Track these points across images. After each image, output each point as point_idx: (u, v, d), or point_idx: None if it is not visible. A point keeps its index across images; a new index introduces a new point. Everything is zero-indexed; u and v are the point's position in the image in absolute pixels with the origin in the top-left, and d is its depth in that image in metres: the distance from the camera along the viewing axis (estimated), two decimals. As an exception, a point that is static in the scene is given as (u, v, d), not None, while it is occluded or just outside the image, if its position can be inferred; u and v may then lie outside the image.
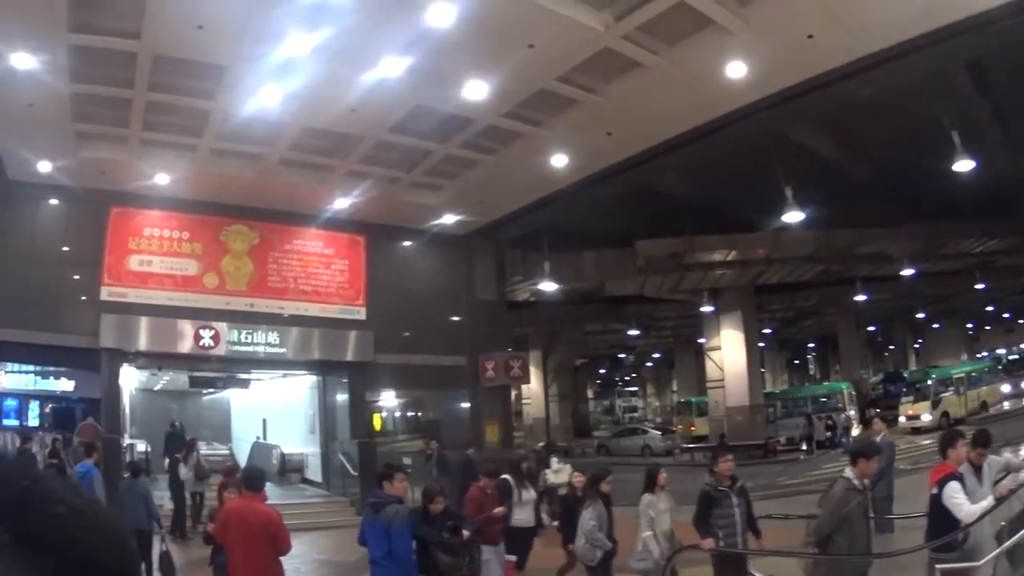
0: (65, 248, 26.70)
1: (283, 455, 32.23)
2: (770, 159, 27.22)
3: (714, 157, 27.60)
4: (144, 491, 18.77)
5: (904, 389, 54.47)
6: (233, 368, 31.23)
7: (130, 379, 32.24)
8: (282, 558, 11.26)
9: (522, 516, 16.36)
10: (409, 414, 41.13)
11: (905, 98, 24.92)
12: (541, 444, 46.98)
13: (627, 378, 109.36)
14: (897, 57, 19.27)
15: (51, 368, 30.38)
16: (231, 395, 42.40)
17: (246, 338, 28.26)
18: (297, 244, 30.31)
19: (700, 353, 62.99)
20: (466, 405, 33.88)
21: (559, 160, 25.27)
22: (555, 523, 16.70)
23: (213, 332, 27.48)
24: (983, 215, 41.69)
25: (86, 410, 28.46)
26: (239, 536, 11.11)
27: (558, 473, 22.95)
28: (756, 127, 23.99)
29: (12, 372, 30.95)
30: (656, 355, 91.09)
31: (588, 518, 13.88)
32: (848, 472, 10.92)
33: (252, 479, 11.97)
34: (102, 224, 27.10)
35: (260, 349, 28.52)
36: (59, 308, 26.16)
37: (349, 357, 30.12)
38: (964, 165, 24.12)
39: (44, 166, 24.61)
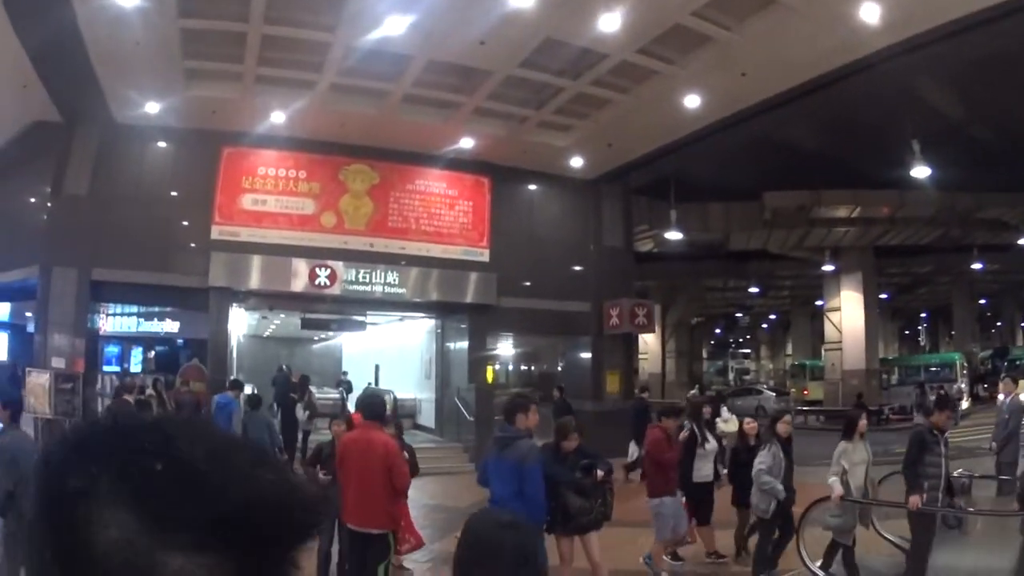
0: (173, 190, 26.76)
1: (395, 400, 31.14)
2: (897, 113, 26.78)
3: (843, 108, 26.72)
4: (267, 420, 20.34)
5: (1008, 364, 53.50)
6: (348, 309, 30.66)
7: (239, 324, 32.14)
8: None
9: (704, 469, 15.27)
10: (523, 367, 40.67)
11: None
12: (712, 392, 46.60)
13: (741, 339, 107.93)
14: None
15: (156, 309, 30.48)
16: (342, 341, 42.56)
17: (364, 277, 27.86)
18: (419, 184, 29.80)
19: (816, 316, 63.22)
20: (584, 356, 33.30)
21: (691, 101, 24.36)
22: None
23: (329, 271, 27.10)
24: None
25: (191, 353, 28.46)
26: (355, 466, 10.87)
27: (727, 423, 22.03)
28: (886, 77, 22.96)
29: (115, 315, 31.16)
30: (772, 316, 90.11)
31: (759, 461, 13.17)
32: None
33: (371, 405, 11.64)
34: (213, 164, 26.99)
35: (378, 289, 28.09)
36: (167, 248, 26.32)
37: (471, 299, 29.62)
38: None
39: (152, 107, 24.59)
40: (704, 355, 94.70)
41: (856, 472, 12.73)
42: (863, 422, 13.15)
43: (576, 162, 30.16)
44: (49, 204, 26.53)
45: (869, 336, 48.90)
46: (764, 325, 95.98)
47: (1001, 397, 18.27)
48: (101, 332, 29.74)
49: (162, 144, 26.75)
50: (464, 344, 30.98)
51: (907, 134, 27.40)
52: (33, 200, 27.62)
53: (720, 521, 15.20)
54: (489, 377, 31.13)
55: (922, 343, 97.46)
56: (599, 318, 32.40)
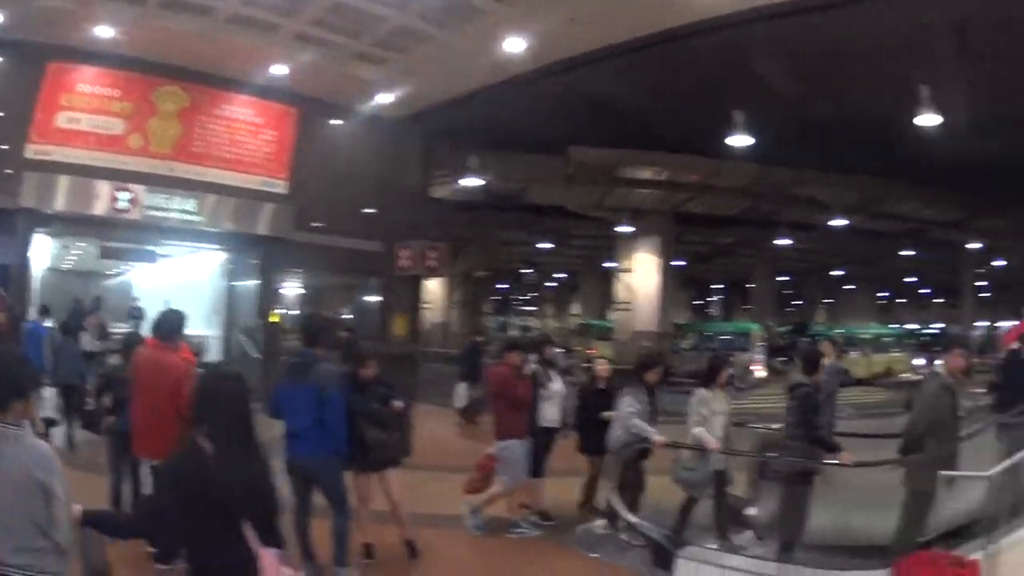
0: None
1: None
2: (723, 82, 27.59)
3: (668, 70, 27.12)
4: (81, 349, 20.62)
5: (811, 341, 54.93)
6: (146, 239, 30.09)
7: (40, 256, 31.01)
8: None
9: (549, 412, 14.64)
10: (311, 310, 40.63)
11: (881, 45, 24.68)
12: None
13: (526, 296, 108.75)
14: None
15: None
16: (133, 278, 42.10)
17: (163, 203, 27.22)
18: (227, 110, 29.15)
19: (606, 277, 64.22)
20: (373, 298, 33.56)
21: (514, 45, 23.95)
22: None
23: (132, 195, 26.45)
24: (925, 183, 42.63)
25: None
26: (144, 391, 10.55)
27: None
28: (721, 45, 23.62)
29: None
30: (561, 275, 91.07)
31: (627, 405, 13.05)
32: (940, 368, 10.85)
33: (164, 322, 11.11)
34: (37, 79, 25.97)
35: (176, 215, 27.48)
36: None
37: (265, 231, 29.20)
38: (929, 120, 24.49)
39: None
40: (487, 310, 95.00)
41: (715, 422, 12.85)
42: (726, 371, 13.61)
43: (385, 98, 29.69)
44: None
45: (663, 299, 49.78)
46: (551, 284, 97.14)
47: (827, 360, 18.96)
48: None
49: None
50: (254, 281, 30.77)
51: (729, 103, 27.82)
52: None
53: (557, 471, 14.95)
54: (274, 319, 30.84)
55: (713, 313, 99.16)
56: (391, 259, 32.34)
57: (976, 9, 20.65)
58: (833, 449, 11.89)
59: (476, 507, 13.66)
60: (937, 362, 14.54)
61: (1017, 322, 31.88)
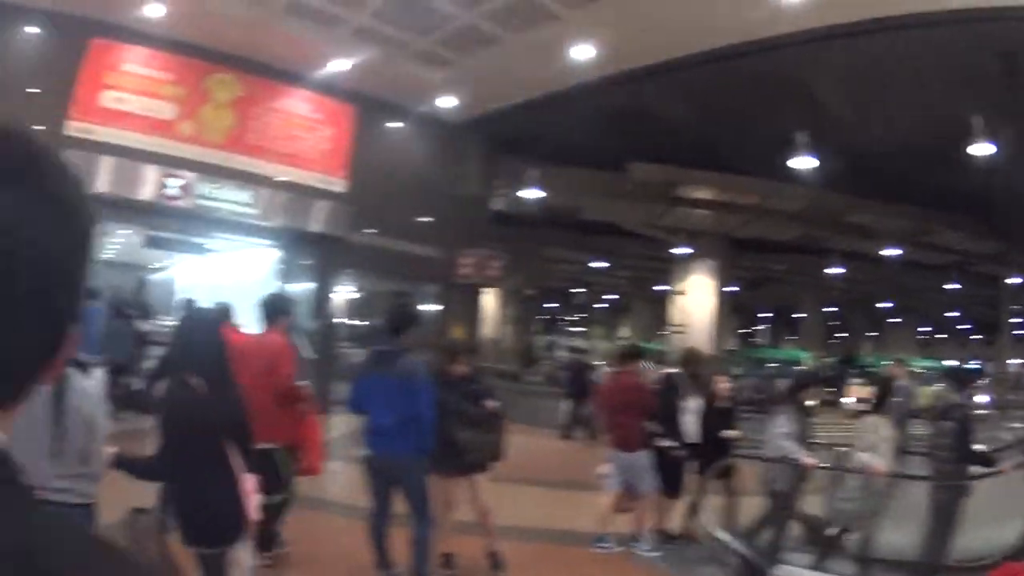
0: (30, 79, 24.32)
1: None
2: (783, 102, 26.81)
3: (728, 87, 26.36)
4: (133, 330, 21.38)
5: (855, 372, 53.84)
6: (195, 229, 29.03)
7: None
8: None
9: (690, 427, 13.34)
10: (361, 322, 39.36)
11: (930, 72, 23.82)
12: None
13: (574, 317, 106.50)
14: (938, 24, 18.89)
15: None
16: (176, 274, 40.76)
17: (215, 193, 26.25)
18: (283, 103, 28.34)
19: (656, 300, 62.71)
20: (429, 306, 32.10)
21: (581, 52, 23.36)
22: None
23: (183, 182, 25.46)
24: (969, 213, 41.48)
25: None
26: (242, 373, 8.75)
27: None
28: (785, 63, 23.29)
29: None
30: (610, 297, 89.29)
31: (779, 426, 11.74)
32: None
33: (265, 304, 10.82)
34: (78, 55, 24.97)
35: (229, 207, 26.53)
36: None
37: (323, 229, 28.20)
38: (983, 149, 24.26)
39: None
40: (535, 328, 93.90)
41: (883, 449, 11.75)
42: (814, 390, 12.77)
43: (446, 102, 28.94)
44: None
45: (718, 323, 48.50)
46: (601, 305, 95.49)
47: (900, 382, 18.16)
48: None
49: (25, 27, 24.50)
50: (307, 282, 29.72)
51: (786, 125, 27.11)
52: None
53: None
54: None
55: (759, 341, 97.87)
56: (449, 266, 31.37)
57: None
58: (992, 463, 11.43)
59: (638, 532, 12.65)
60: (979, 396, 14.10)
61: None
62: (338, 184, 28.86)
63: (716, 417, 13.11)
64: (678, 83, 25.43)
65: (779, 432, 11.59)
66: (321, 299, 29.17)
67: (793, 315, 77.29)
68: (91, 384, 5.90)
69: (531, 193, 34.92)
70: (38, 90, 24.00)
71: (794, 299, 72.39)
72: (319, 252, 28.87)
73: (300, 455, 10.25)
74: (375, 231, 28.97)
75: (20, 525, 1.16)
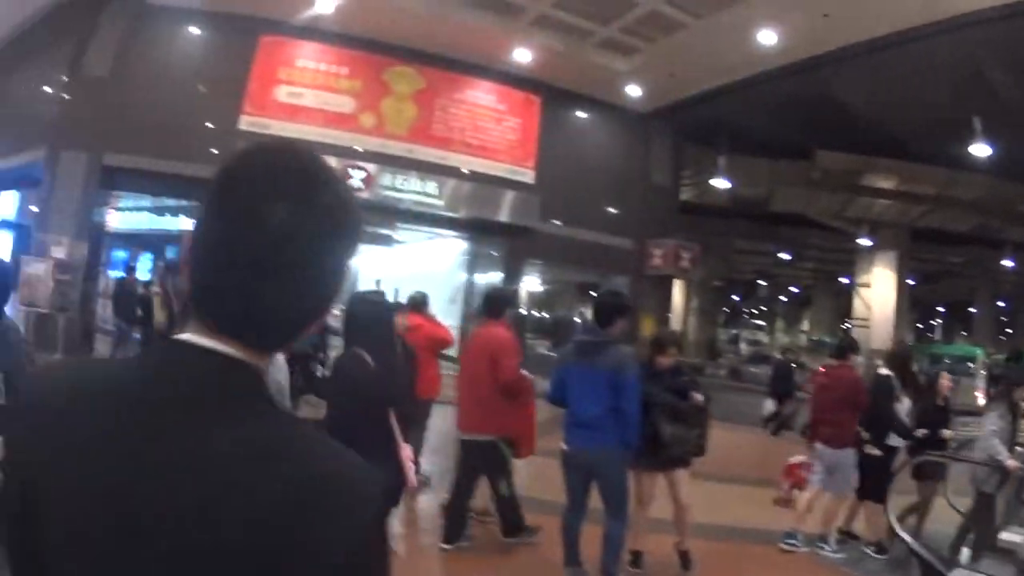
0: (203, 76, 24.90)
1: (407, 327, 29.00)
2: (962, 86, 25.64)
3: (908, 71, 25.02)
4: None
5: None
6: (377, 221, 28.66)
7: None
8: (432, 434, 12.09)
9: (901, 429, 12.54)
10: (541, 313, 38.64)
11: None
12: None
13: (755, 311, 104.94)
14: None
15: (170, 203, 29.40)
16: (361, 266, 39.86)
17: (401, 184, 26.14)
18: (467, 95, 28.14)
19: (839, 293, 62.64)
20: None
21: (766, 37, 22.77)
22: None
23: (365, 174, 25.34)
24: None
25: None
26: (465, 365, 10.42)
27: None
28: (964, 44, 22.19)
29: (125, 209, 30.30)
30: (793, 290, 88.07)
31: (990, 423, 10.86)
32: None
33: (486, 299, 10.91)
34: (249, 52, 25.46)
35: (414, 198, 26.40)
36: (189, 136, 24.05)
37: (511, 219, 27.85)
38: None
39: None
40: (718, 321, 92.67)
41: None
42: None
43: (633, 91, 28.39)
44: (65, 84, 24.72)
45: (899, 316, 46.99)
46: (783, 298, 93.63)
47: None
48: (109, 229, 28.49)
49: (195, 29, 25.09)
50: (493, 272, 29.47)
51: (966, 110, 26.50)
52: (51, 84, 25.67)
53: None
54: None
55: (932, 336, 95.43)
56: (640, 257, 30.49)
57: None
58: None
59: (826, 532, 11.72)
60: None
61: None
62: (525, 174, 28.52)
63: (935, 415, 12.14)
64: (860, 67, 24.51)
65: (989, 430, 10.79)
66: (509, 286, 28.13)
67: (967, 309, 74.76)
68: (279, 357, 6.81)
69: (719, 182, 34.26)
70: (208, 88, 24.51)
71: (968, 292, 69.81)
72: (506, 243, 28.53)
73: (519, 444, 10.08)
74: (563, 220, 28.55)
75: (289, 440, 1.54)
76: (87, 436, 1.49)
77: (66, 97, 24.57)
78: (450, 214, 27.41)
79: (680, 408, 9.68)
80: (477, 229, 29.01)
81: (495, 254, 29.38)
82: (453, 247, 31.48)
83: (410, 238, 32.54)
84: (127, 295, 22.46)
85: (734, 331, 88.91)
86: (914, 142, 33.21)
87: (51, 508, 1.48)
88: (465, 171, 27.43)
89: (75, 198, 23.59)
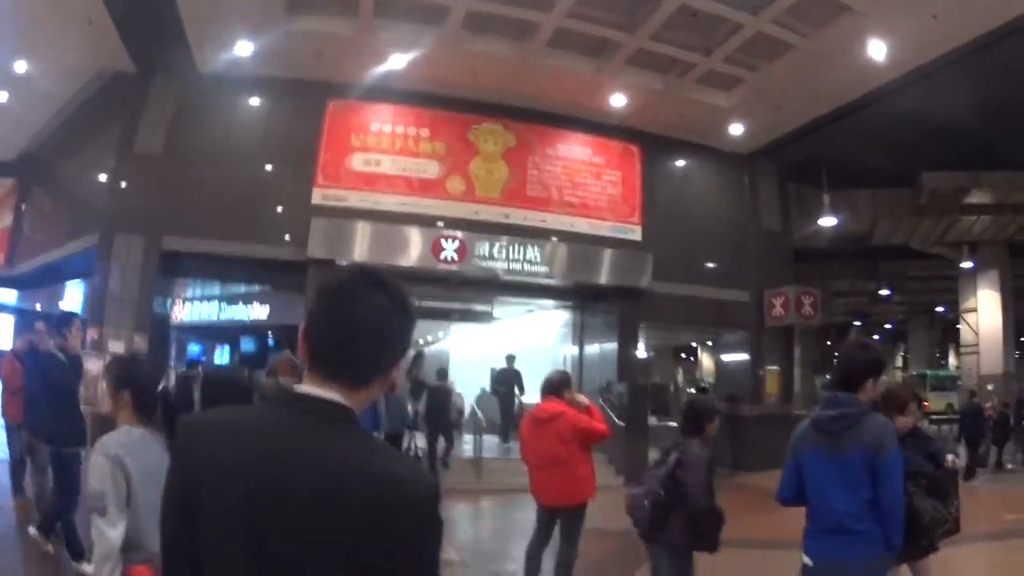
0: (267, 148, 22.85)
1: (522, 406, 25.65)
2: None
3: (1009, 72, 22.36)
4: (403, 401, 20.74)
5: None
6: (470, 295, 26.01)
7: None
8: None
9: None
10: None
11: None
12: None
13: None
14: None
15: (241, 290, 27.99)
16: (450, 345, 35.94)
17: (499, 252, 23.31)
18: (561, 149, 25.62)
19: (935, 324, 62.37)
20: (736, 354, 28.79)
21: (876, 50, 20.35)
22: None
23: (458, 243, 22.72)
24: None
25: (279, 341, 25.99)
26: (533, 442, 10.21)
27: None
28: None
29: (192, 300, 28.92)
30: (887, 326, 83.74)
31: None
32: None
33: (545, 380, 10.48)
34: (316, 119, 23.24)
35: (516, 266, 23.50)
36: (256, 215, 22.43)
37: (623, 282, 24.96)
38: None
39: (244, 48, 20.98)
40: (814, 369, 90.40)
41: None
42: None
43: (736, 129, 26.04)
44: (116, 164, 22.44)
45: (1007, 337, 44.18)
46: (876, 336, 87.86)
47: None
48: (176, 321, 27.22)
49: (255, 97, 23.18)
50: (603, 341, 26.57)
51: None
52: (102, 164, 23.24)
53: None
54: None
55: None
56: (759, 308, 27.85)
57: None
58: None
59: None
60: None
61: None
62: (632, 231, 25.97)
63: None
64: (967, 75, 21.74)
65: None
66: (625, 356, 25.67)
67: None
68: None
69: (827, 221, 31.51)
70: (273, 162, 22.89)
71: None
72: (622, 305, 25.65)
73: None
74: (675, 279, 25.94)
75: (372, 452, 2.34)
76: (241, 450, 2.28)
77: (115, 176, 22.36)
78: (554, 282, 24.82)
79: (938, 478, 7.56)
80: (583, 295, 26.53)
81: (598, 319, 26.83)
82: (552, 318, 29.22)
83: (511, 312, 29.73)
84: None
85: (827, 375, 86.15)
86: (1015, 153, 30.66)
87: (211, 495, 2.24)
88: (568, 232, 24.82)
89: (132, 286, 21.37)
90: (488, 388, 29.20)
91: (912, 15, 18.95)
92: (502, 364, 27.20)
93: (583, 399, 10.17)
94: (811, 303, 27.42)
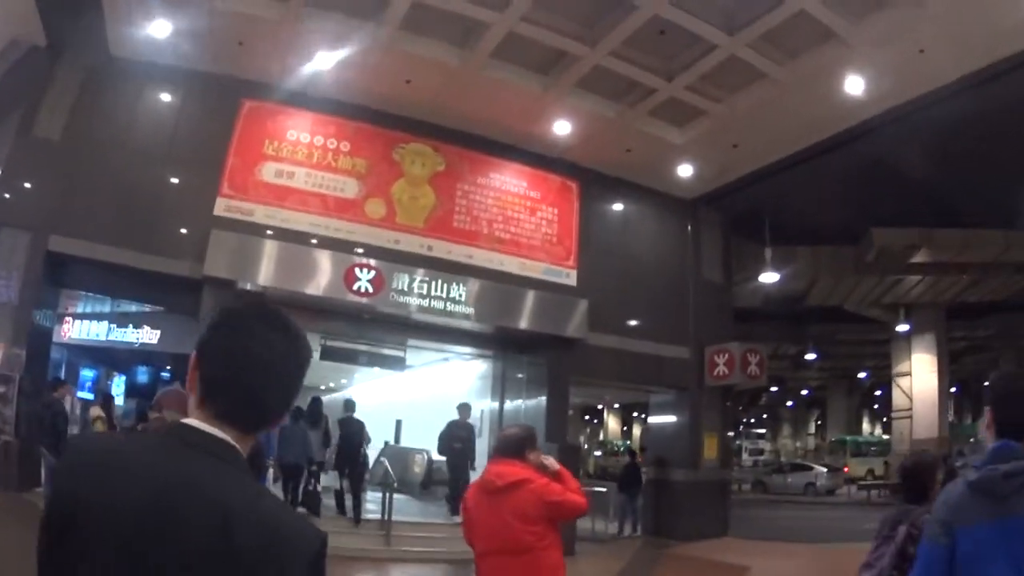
0: (172, 146, 19.70)
1: (430, 462, 24.70)
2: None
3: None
4: (303, 432, 19.59)
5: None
6: (380, 335, 23.02)
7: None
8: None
9: None
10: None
11: None
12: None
13: (754, 419, 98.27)
14: None
15: (132, 310, 25.57)
16: (353, 394, 31.94)
17: (419, 287, 20.38)
18: (494, 179, 23.16)
19: (854, 390, 63.85)
20: (669, 416, 26.52)
21: (853, 85, 19.11)
22: None
23: (374, 274, 19.75)
24: None
25: (172, 373, 24.94)
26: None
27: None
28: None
29: (80, 318, 26.78)
30: (803, 392, 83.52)
31: None
32: None
33: (501, 442, 7.72)
34: (227, 120, 20.32)
35: (438, 304, 20.59)
36: (153, 221, 19.12)
37: (556, 331, 22.30)
38: None
39: (162, 27, 18.16)
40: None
41: None
42: None
43: (684, 170, 24.14)
44: (12, 146, 19.17)
45: (942, 401, 44.47)
46: (789, 403, 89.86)
47: None
48: (63, 338, 25.11)
49: (165, 88, 20.06)
50: (528, 396, 23.81)
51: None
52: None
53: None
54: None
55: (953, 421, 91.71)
56: (700, 366, 25.75)
57: None
58: None
59: None
60: None
61: None
62: (567, 275, 23.73)
63: None
64: (937, 120, 20.52)
65: None
66: (555, 412, 23.06)
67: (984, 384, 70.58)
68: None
69: (769, 277, 30.01)
70: (178, 162, 19.77)
71: (990, 364, 65.12)
72: (551, 357, 23.06)
73: None
74: (613, 330, 24.09)
75: (261, 498, 2.25)
76: (126, 484, 2.16)
77: (6, 161, 18.96)
78: (477, 326, 22.06)
79: None
80: (508, 343, 23.75)
81: (520, 376, 24.17)
82: (471, 367, 26.41)
83: (425, 358, 27.00)
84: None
85: (737, 442, 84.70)
86: (968, 207, 30.62)
87: (91, 526, 2.15)
88: (496, 271, 22.26)
89: (12, 289, 17.81)
90: (393, 442, 28.13)
91: (899, 47, 17.66)
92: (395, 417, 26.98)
93: (552, 463, 7.31)
94: (757, 362, 25.49)
